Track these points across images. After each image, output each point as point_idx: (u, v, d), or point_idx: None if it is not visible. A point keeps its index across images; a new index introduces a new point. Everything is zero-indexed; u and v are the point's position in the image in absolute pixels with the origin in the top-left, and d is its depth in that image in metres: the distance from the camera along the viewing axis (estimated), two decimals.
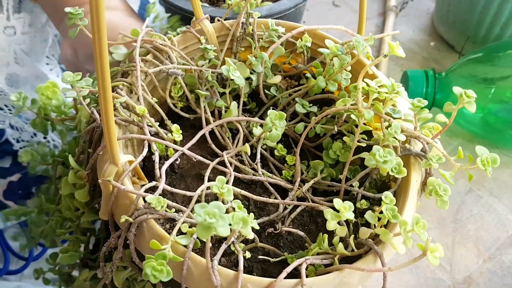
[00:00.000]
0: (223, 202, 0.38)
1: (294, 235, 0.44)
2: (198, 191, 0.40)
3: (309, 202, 0.44)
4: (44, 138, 0.69)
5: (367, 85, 0.41)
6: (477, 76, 0.73)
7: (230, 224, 0.31)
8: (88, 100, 0.43)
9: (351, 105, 0.44)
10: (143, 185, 0.41)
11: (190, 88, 0.49)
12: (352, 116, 0.45)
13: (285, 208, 0.44)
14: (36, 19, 0.69)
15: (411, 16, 1.01)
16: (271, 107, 0.52)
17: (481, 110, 0.71)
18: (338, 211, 0.37)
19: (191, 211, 0.39)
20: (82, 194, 0.43)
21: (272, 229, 0.43)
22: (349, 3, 1.04)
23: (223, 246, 0.37)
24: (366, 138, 0.45)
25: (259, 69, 0.48)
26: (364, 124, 0.42)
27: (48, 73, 0.75)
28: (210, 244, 0.34)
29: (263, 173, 0.46)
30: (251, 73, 0.48)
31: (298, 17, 0.71)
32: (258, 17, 0.52)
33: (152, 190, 0.40)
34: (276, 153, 0.49)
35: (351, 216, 0.36)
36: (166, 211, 0.37)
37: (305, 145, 0.50)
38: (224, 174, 0.48)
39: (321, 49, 0.48)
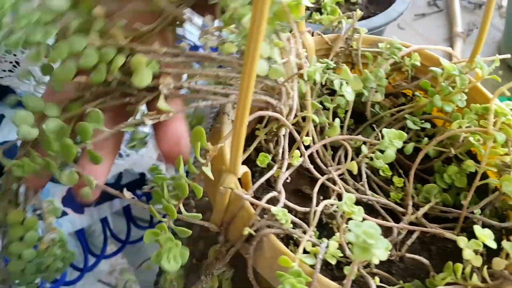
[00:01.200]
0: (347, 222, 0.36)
1: (406, 263, 0.41)
2: (320, 207, 0.37)
3: (424, 227, 0.41)
4: None
5: (499, 107, 0.39)
6: None
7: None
8: None
9: (466, 127, 0.42)
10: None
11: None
12: (470, 139, 0.42)
13: (398, 234, 0.41)
14: None
15: None
16: (370, 126, 0.50)
17: None
18: (474, 239, 0.34)
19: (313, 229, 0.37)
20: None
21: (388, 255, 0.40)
22: (414, 26, 1.03)
23: (354, 269, 0.34)
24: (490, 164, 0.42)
25: (372, 85, 0.46)
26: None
27: None
28: (356, 269, 0.32)
29: (371, 194, 0.44)
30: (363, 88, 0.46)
31: (381, 35, 0.70)
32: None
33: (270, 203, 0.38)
34: (381, 173, 0.46)
35: (493, 244, 0.34)
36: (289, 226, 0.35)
37: (411, 167, 0.48)
38: (324, 193, 0.46)
39: (433, 68, 0.46)
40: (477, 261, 0.35)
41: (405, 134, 0.40)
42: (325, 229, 0.42)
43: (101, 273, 0.87)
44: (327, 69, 0.47)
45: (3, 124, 0.61)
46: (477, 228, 0.34)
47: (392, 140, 0.40)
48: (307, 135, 0.46)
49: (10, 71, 0.55)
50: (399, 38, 0.99)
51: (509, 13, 0.92)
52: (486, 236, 0.34)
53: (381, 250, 0.27)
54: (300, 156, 0.43)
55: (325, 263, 0.38)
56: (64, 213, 0.68)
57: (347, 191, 0.45)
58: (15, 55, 0.54)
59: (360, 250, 0.27)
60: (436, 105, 0.45)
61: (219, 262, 0.39)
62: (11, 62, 0.55)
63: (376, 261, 0.35)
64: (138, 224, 0.78)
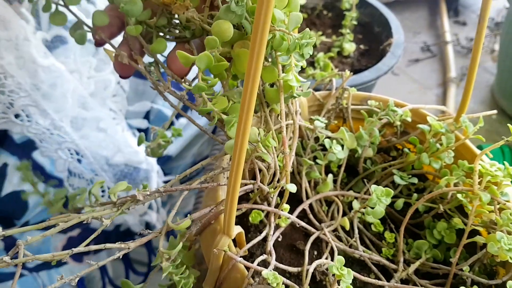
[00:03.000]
0: (338, 282, 0.37)
1: None
2: (311, 268, 0.38)
3: (415, 285, 0.42)
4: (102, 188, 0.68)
5: (483, 167, 0.40)
6: None
7: None
8: None
9: (454, 185, 0.44)
10: (241, 256, 0.40)
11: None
12: (458, 196, 0.44)
13: None
14: (101, 63, 0.70)
15: None
16: (362, 179, 0.52)
17: None
18: None
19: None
20: (187, 257, 0.42)
21: None
22: (407, 72, 1.05)
23: None
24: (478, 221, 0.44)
25: (365, 143, 0.48)
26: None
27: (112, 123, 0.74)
28: None
29: (363, 250, 0.45)
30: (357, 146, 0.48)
31: (372, 88, 0.72)
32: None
33: (261, 264, 0.39)
34: (372, 228, 0.48)
35: None
36: None
37: (401, 221, 0.49)
38: (317, 246, 0.47)
39: (421, 125, 0.48)
40: None
41: (392, 191, 0.41)
42: (319, 286, 0.43)
43: None
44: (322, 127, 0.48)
45: (9, 172, 0.62)
46: None
47: (380, 197, 0.41)
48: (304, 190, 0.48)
49: (3, 113, 0.56)
50: (393, 84, 1.02)
51: (501, 58, 0.94)
52: None
53: None
54: (292, 213, 0.44)
55: None
56: (64, 263, 0.69)
57: (339, 246, 0.46)
58: (8, 95, 0.55)
59: None
60: (424, 162, 0.46)
61: None
62: (4, 104, 0.55)
63: None
64: (136, 271, 0.79)
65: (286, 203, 0.50)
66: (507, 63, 0.91)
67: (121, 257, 0.80)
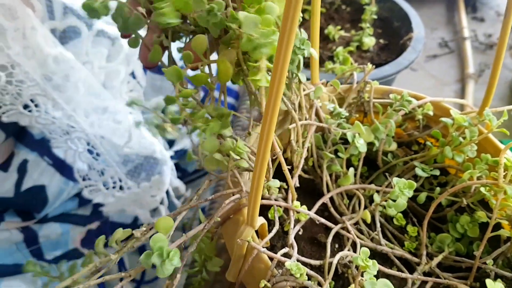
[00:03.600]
0: (362, 274, 0.37)
1: None
2: (335, 260, 0.38)
3: (437, 277, 0.42)
4: (112, 178, 0.68)
5: (508, 160, 0.40)
6: None
7: None
8: None
9: (477, 178, 0.43)
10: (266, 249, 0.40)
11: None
12: (481, 189, 0.43)
13: (412, 283, 0.42)
14: (112, 54, 0.70)
15: None
16: (383, 173, 0.52)
17: None
18: None
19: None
20: (209, 248, 0.42)
21: None
22: (426, 68, 1.04)
23: None
24: (502, 214, 0.43)
25: (382, 136, 0.48)
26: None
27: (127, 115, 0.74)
28: None
29: (386, 244, 0.45)
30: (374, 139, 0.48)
31: (392, 82, 0.72)
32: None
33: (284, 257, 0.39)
34: (394, 222, 0.47)
35: None
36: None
37: (423, 215, 0.48)
38: (339, 240, 0.47)
39: (444, 119, 0.48)
40: None
41: (415, 184, 0.41)
42: (341, 279, 0.43)
43: None
44: (341, 118, 0.48)
45: (29, 168, 0.62)
46: (489, 282, 0.35)
47: (403, 189, 0.41)
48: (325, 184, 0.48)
49: (12, 104, 0.56)
50: (411, 79, 1.01)
51: None
52: None
53: None
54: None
55: None
56: (83, 255, 0.70)
57: (361, 240, 0.46)
58: (16, 85, 0.55)
59: None
60: (447, 155, 0.46)
61: None
62: (12, 95, 0.55)
63: None
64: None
65: (308, 197, 0.50)
66: None
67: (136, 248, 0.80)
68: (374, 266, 0.35)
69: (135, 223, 0.75)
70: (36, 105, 0.57)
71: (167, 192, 0.76)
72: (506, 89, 1.00)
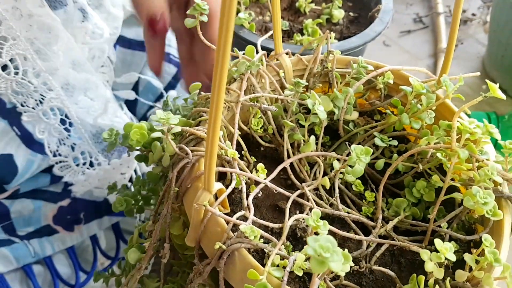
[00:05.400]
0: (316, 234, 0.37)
1: (377, 275, 0.43)
2: (289, 222, 0.39)
3: (394, 241, 0.43)
4: (82, 153, 0.67)
5: (461, 124, 0.41)
6: None
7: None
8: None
9: (435, 143, 0.44)
10: (228, 214, 0.41)
11: (273, 119, 0.49)
12: (438, 155, 0.44)
13: (368, 246, 0.43)
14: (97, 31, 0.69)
15: (461, 59, 1.01)
16: (345, 142, 0.52)
17: None
18: (436, 251, 0.36)
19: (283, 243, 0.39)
20: (176, 227, 0.43)
21: (357, 267, 0.42)
22: (399, 43, 1.05)
23: (317, 281, 0.36)
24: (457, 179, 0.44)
25: (342, 104, 0.48)
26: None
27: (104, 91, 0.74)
28: (319, 281, 0.33)
29: (342, 209, 0.46)
30: (333, 107, 0.48)
31: (361, 55, 0.72)
32: None
33: (240, 220, 0.40)
34: (353, 188, 0.48)
35: (452, 257, 0.35)
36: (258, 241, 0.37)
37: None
38: (300, 206, 0.48)
39: (403, 87, 0.48)
40: (440, 273, 0.37)
41: (371, 150, 0.42)
42: (300, 243, 0.44)
43: None
44: (301, 87, 0.49)
45: None
46: (437, 242, 0.36)
47: (360, 155, 0.42)
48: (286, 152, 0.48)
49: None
50: (385, 55, 1.02)
51: (492, 29, 0.94)
52: (446, 249, 0.36)
53: (337, 263, 0.29)
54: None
55: (299, 276, 0.39)
56: (55, 231, 0.70)
57: (320, 206, 0.46)
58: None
59: (316, 263, 0.29)
60: (404, 122, 0.46)
61: (198, 278, 0.41)
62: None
63: (342, 273, 0.37)
64: (127, 240, 0.80)
65: (273, 166, 0.50)
66: (498, 34, 0.91)
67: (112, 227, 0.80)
68: (325, 226, 0.36)
69: (107, 201, 0.75)
70: (15, 68, 0.56)
71: (135, 171, 0.76)
72: (478, 64, 1.01)
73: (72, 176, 0.66)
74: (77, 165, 0.66)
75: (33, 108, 0.59)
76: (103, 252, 0.77)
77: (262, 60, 0.49)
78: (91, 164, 0.67)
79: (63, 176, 0.66)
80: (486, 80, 0.40)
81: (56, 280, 0.70)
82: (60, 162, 0.65)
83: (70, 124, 0.62)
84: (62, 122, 0.62)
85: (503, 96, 0.40)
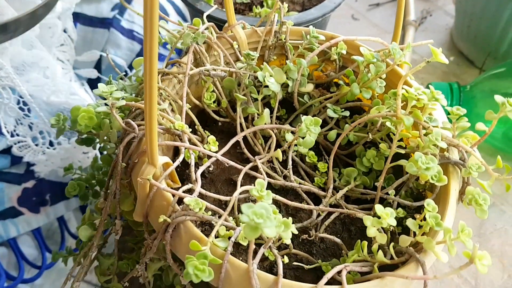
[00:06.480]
0: None
1: (327, 243, 0.43)
2: (236, 194, 0.39)
3: (343, 209, 0.43)
4: (41, 133, 0.66)
5: (407, 91, 0.41)
6: (499, 91, 0.73)
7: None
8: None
9: (387, 112, 0.44)
10: (177, 188, 0.41)
11: (225, 92, 0.49)
12: (387, 123, 0.44)
13: (318, 215, 0.43)
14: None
15: (429, 31, 1.01)
16: (301, 115, 0.52)
17: (503, 124, 0.71)
18: (378, 218, 0.36)
19: (228, 215, 0.39)
20: (127, 203, 0.42)
21: (307, 235, 0.42)
22: (368, 17, 1.04)
23: (261, 250, 0.36)
24: (403, 146, 0.45)
25: (295, 76, 0.48)
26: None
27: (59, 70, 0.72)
28: (254, 246, 0.34)
29: (295, 180, 0.46)
30: (287, 79, 0.48)
31: (323, 27, 0.72)
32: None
33: (187, 193, 0.39)
34: (307, 160, 0.48)
35: (393, 222, 0.36)
36: (203, 213, 0.37)
37: (336, 153, 0.50)
38: (254, 179, 0.48)
39: (355, 57, 0.48)
40: (382, 238, 0.37)
41: (320, 120, 0.42)
42: None
43: (62, 270, 0.87)
44: (251, 60, 0.48)
45: None
46: (378, 207, 0.36)
47: (309, 126, 0.42)
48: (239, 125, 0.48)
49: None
50: (353, 29, 1.01)
51: (458, 0, 0.94)
52: (387, 214, 0.36)
53: (270, 229, 0.29)
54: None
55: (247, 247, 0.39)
56: (20, 213, 0.69)
57: (273, 178, 0.47)
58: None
59: (249, 229, 0.29)
60: (354, 92, 0.46)
61: (149, 252, 0.41)
62: None
63: (288, 241, 0.37)
64: None
65: (222, 139, 0.50)
66: (463, 5, 0.91)
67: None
68: (268, 196, 0.36)
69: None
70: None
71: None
72: (447, 36, 1.01)
73: (32, 156, 0.65)
74: (36, 144, 0.65)
75: None
76: (71, 234, 0.77)
77: (212, 32, 0.48)
78: (51, 144, 0.66)
79: (23, 156, 0.65)
80: (432, 48, 0.40)
81: (21, 261, 0.69)
82: (19, 142, 0.64)
83: (24, 103, 0.61)
84: (18, 101, 0.61)
85: (446, 61, 0.40)
